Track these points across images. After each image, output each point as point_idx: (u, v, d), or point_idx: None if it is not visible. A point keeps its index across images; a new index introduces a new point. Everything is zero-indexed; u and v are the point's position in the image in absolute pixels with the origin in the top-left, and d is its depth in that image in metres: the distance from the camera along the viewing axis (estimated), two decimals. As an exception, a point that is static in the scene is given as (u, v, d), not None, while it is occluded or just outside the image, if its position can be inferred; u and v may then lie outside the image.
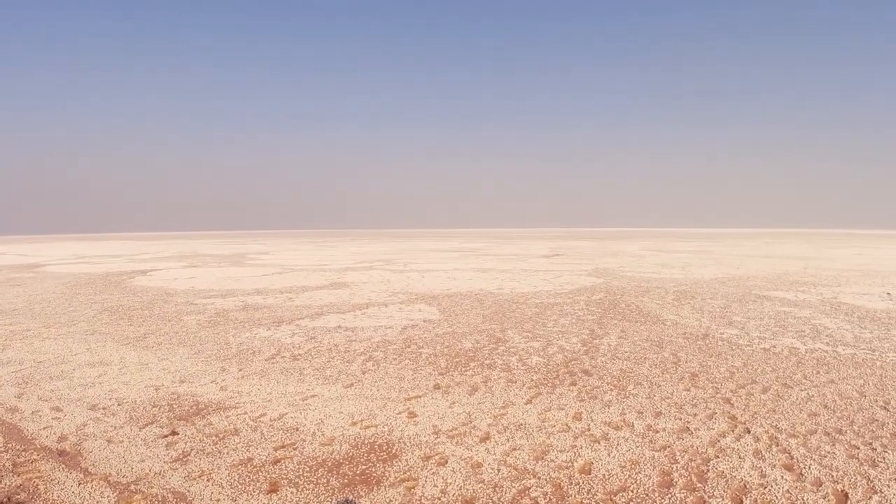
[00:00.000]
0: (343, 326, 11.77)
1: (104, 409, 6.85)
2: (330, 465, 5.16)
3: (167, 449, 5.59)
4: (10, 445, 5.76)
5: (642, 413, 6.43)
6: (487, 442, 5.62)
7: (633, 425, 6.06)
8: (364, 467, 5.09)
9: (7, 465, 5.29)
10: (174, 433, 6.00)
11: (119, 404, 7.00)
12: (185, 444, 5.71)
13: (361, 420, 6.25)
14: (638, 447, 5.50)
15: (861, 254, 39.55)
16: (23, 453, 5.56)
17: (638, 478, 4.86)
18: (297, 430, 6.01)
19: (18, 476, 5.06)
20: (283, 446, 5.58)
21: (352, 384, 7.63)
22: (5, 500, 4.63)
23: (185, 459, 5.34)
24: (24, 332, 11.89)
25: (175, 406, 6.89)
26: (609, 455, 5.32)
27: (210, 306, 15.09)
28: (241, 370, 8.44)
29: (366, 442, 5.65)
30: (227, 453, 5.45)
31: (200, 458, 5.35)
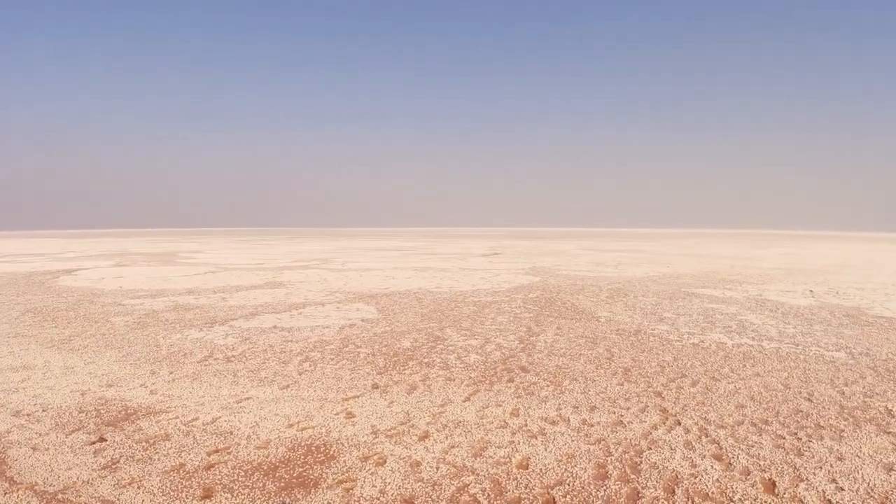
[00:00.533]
0: (279, 326, 11.57)
1: (28, 415, 6.53)
2: (266, 468, 5.05)
3: (95, 456, 5.38)
4: (-79, 457, 5.44)
5: (577, 408, 6.55)
6: (426, 440, 5.61)
7: (568, 420, 6.16)
8: (301, 469, 5.01)
9: (-82, 477, 4.99)
10: (102, 439, 5.77)
11: (44, 410, 6.69)
12: (114, 450, 5.50)
13: (298, 422, 6.15)
14: (574, 441, 5.59)
15: (787, 253, 41.31)
16: (-64, 464, 5.26)
17: (574, 471, 4.94)
18: (231, 433, 5.87)
19: (-69, 489, 4.78)
20: (216, 451, 5.44)
21: (288, 385, 7.50)
22: None
23: (114, 466, 5.14)
24: (-63, 336, 11.22)
25: (103, 411, 6.63)
26: (546, 450, 5.39)
27: (139, 307, 14.58)
28: (171, 373, 8.18)
29: (303, 444, 5.56)
30: (158, 459, 5.28)
31: (130, 465, 5.16)
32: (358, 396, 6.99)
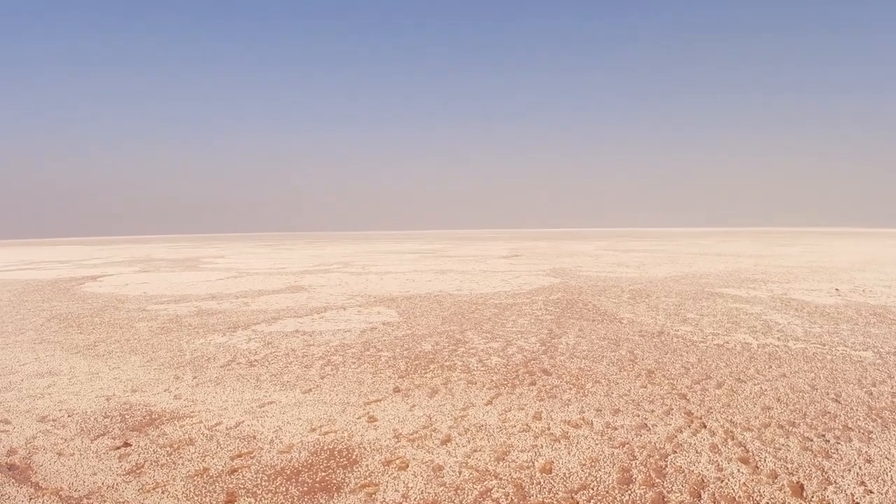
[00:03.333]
0: (300, 331, 11.62)
1: (54, 420, 6.62)
2: (288, 472, 5.06)
3: (120, 461, 5.43)
4: (-49, 462, 5.52)
5: (601, 411, 6.49)
6: (448, 444, 5.59)
7: (592, 423, 6.11)
8: (324, 474, 5.01)
9: (-52, 482, 5.06)
10: (127, 444, 5.82)
11: (69, 416, 6.77)
12: (139, 455, 5.54)
13: (320, 426, 6.16)
14: (597, 445, 5.54)
15: (809, 251, 40.76)
16: (-34, 470, 5.34)
17: (598, 475, 4.89)
18: (255, 438, 5.89)
19: (-39, 494, 4.84)
20: (239, 455, 5.46)
21: (310, 389, 7.52)
22: None
23: (138, 472, 5.18)
24: (-34, 343, 11.42)
25: (127, 416, 6.69)
26: (569, 454, 5.34)
27: (163, 312, 14.73)
28: (195, 378, 8.25)
29: (325, 448, 5.57)
30: (182, 464, 5.31)
31: (154, 470, 5.20)
32: (380, 400, 6.99)
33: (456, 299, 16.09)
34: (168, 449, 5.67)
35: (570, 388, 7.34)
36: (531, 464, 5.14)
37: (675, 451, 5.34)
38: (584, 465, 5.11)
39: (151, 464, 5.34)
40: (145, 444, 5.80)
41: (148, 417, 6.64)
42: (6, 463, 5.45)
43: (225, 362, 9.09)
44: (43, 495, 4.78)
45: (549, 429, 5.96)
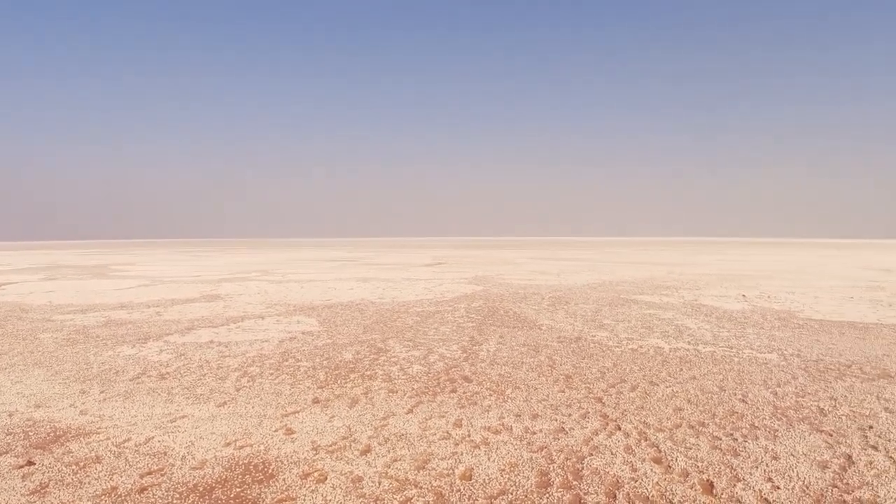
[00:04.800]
0: (216, 341, 11.28)
1: (-56, 441, 6.18)
2: (202, 489, 4.89)
3: (23, 480, 5.11)
4: None
5: (520, 416, 6.57)
6: (368, 455, 5.53)
7: (511, 429, 6.17)
8: (238, 490, 4.86)
9: None
10: (31, 463, 5.49)
11: (-38, 436, 6.34)
12: (43, 474, 5.24)
13: (235, 440, 5.98)
14: (516, 450, 5.60)
15: (724, 260, 42.62)
16: None
17: (517, 480, 4.94)
18: (166, 454, 5.66)
19: None
20: (149, 473, 5.24)
21: (225, 402, 7.30)
22: None
23: (43, 491, 4.90)
24: None
25: (31, 433, 6.32)
26: (489, 459, 5.38)
27: (69, 322, 14.00)
28: (102, 392, 7.87)
29: (240, 463, 5.41)
30: (90, 483, 5.05)
31: (60, 490, 4.92)
32: (298, 412, 6.85)
33: (378, 307, 16.00)
34: (74, 467, 5.38)
35: (491, 395, 7.40)
36: (451, 471, 5.14)
37: (592, 454, 5.46)
38: (504, 470, 5.15)
39: (56, 483, 5.05)
40: (50, 463, 5.49)
41: (53, 434, 6.28)
42: None
43: (134, 375, 8.71)
44: (-67, 521, 4.47)
45: (469, 435, 5.98)
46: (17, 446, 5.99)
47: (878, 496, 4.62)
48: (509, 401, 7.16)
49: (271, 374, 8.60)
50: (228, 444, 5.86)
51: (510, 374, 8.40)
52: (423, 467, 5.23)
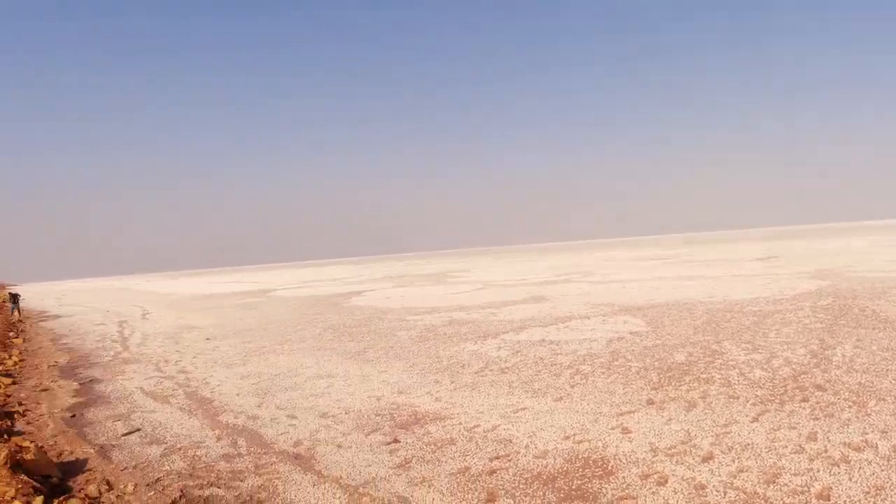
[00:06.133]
0: (547, 339, 11.76)
1: (333, 417, 7.43)
2: (544, 478, 5.15)
3: (390, 455, 5.93)
4: (252, 449, 6.44)
5: (887, 433, 5.67)
6: (710, 462, 5.27)
7: (876, 447, 5.37)
8: (579, 482, 5.01)
9: (250, 466, 5.91)
10: (396, 441, 6.35)
11: (346, 413, 7.57)
12: (407, 451, 6.01)
13: (574, 434, 6.17)
14: (883, 471, 4.85)
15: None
16: (263, 456, 6.20)
17: (888, 506, 4.30)
18: (510, 441, 6.08)
19: (259, 476, 5.63)
20: (497, 457, 5.67)
21: (561, 398, 7.58)
22: (248, 498, 5.17)
23: (407, 466, 5.62)
24: (259, 348, 13.33)
25: (395, 415, 7.30)
26: (850, 480, 4.75)
27: (419, 322, 15.85)
28: (452, 382, 8.74)
29: (579, 457, 5.57)
30: (446, 462, 5.65)
31: (421, 466, 5.60)
32: (633, 412, 6.82)
33: (708, 307, 15.16)
34: (432, 447, 6.07)
35: (850, 407, 6.52)
36: (806, 488, 4.65)
37: None
38: (869, 493, 4.50)
39: (418, 460, 5.75)
40: (412, 442, 6.28)
41: (413, 417, 7.17)
42: (293, 453, 6.23)
43: (478, 369, 9.50)
44: (324, 482, 5.39)
45: (826, 451, 5.35)
46: (384, 426, 6.96)
47: None
48: (873, 414, 6.23)
49: (602, 373, 8.70)
50: (567, 438, 6.07)
51: (872, 384, 7.31)
52: (773, 482, 4.81)
